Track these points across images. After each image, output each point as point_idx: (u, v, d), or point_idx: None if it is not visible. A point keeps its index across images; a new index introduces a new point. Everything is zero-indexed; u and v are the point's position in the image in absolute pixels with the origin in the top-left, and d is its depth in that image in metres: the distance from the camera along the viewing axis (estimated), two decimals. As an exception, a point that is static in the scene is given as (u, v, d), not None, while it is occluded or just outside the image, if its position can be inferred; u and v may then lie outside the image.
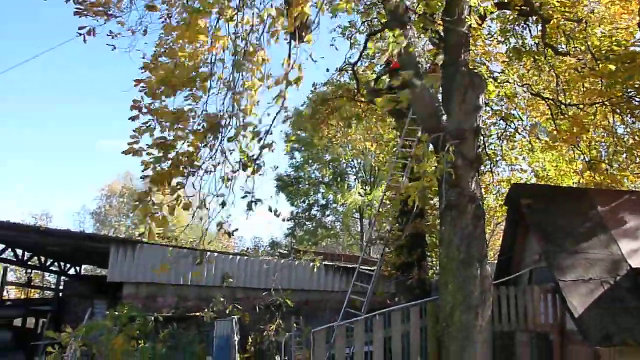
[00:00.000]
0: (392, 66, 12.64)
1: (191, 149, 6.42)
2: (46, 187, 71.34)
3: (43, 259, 21.03)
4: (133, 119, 6.54)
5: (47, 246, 17.59)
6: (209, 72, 6.52)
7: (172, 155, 6.32)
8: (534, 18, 12.68)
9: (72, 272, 23.21)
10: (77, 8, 7.43)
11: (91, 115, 74.84)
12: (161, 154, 6.33)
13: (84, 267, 26.13)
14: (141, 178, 6.75)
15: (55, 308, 18.87)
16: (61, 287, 21.83)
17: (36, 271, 26.00)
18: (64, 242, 16.86)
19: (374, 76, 15.17)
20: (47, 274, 29.56)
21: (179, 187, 6.33)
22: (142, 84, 6.42)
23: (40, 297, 23.84)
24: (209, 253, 15.34)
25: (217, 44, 6.35)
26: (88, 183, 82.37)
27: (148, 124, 6.47)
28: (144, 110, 6.47)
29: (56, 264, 21.92)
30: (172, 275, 14.21)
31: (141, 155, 6.24)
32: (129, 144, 6.29)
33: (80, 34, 7.34)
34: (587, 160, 14.29)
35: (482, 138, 13.36)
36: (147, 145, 6.41)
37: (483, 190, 11.99)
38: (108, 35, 7.74)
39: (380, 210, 14.52)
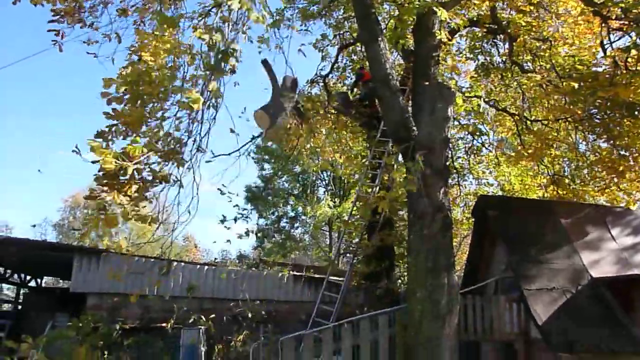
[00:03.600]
0: (365, 78, 12.86)
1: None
2: (6, 198, 69.08)
3: (1, 270, 20.28)
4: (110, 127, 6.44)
5: (6, 256, 16.98)
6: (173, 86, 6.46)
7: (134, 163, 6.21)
8: (502, 36, 13.07)
9: (32, 284, 22.42)
10: (53, 15, 7.37)
11: (58, 126, 72.99)
12: (123, 161, 6.21)
13: (45, 278, 25.28)
14: (94, 178, 6.49)
15: (14, 321, 18.14)
16: (20, 300, 21.09)
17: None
18: (25, 252, 16.31)
19: (345, 88, 15.35)
20: (4, 286, 28.55)
21: (138, 198, 6.19)
22: (111, 86, 6.33)
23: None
24: (175, 263, 15.12)
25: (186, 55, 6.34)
26: (52, 194, 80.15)
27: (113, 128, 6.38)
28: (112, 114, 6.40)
29: (15, 275, 21.15)
30: (137, 285, 13.93)
31: (109, 148, 6.06)
32: (94, 136, 6.11)
33: (55, 42, 7.29)
34: (551, 174, 14.71)
35: (450, 151, 13.62)
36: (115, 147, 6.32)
37: (450, 203, 12.20)
38: (83, 42, 7.71)
39: (350, 220, 14.62)
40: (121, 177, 5.98)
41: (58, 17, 7.53)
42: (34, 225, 49.80)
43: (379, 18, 11.82)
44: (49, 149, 72.38)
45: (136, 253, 13.55)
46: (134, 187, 6.01)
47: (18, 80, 69.68)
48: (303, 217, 33.01)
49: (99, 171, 5.90)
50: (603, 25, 10.14)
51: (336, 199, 29.83)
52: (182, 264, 15.85)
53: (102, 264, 14.61)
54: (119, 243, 7.61)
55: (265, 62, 7.81)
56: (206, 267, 15.90)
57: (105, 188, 5.96)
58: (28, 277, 21.84)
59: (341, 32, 15.00)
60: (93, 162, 5.67)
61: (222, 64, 5.95)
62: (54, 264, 17.20)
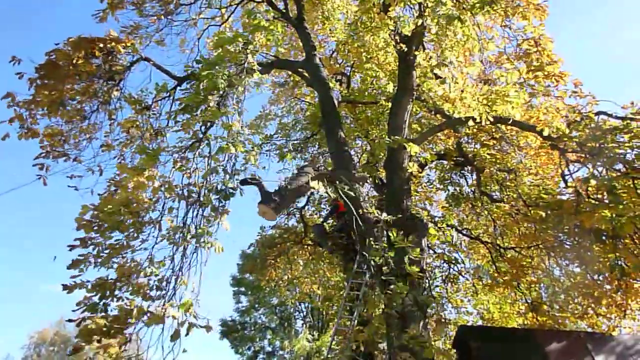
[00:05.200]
0: (339, 209, 13.16)
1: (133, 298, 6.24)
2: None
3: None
4: (71, 247, 6.43)
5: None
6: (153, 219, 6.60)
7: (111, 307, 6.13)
8: (469, 168, 13.77)
9: None
10: (40, 149, 7.66)
11: (33, 259, 71.35)
12: (99, 299, 6.13)
13: None
14: (77, 325, 6.38)
15: None
16: None
17: None
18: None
19: (320, 220, 15.61)
20: None
21: (119, 343, 6.05)
22: (89, 216, 6.42)
23: None
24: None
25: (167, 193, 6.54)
26: (17, 329, 75.96)
27: (86, 256, 6.36)
28: (89, 243, 6.41)
29: None
30: None
31: (82, 287, 6.03)
32: (70, 279, 6.09)
33: (40, 176, 7.49)
34: (529, 301, 14.65)
35: (427, 280, 13.61)
36: (87, 281, 6.25)
37: (431, 334, 11.94)
38: (67, 177, 7.92)
39: (329, 355, 14.04)
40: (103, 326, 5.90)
41: (44, 152, 7.81)
42: None
43: (352, 152, 12.47)
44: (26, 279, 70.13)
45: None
46: (118, 338, 5.88)
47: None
48: (280, 352, 31.64)
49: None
50: (561, 157, 10.78)
51: (315, 332, 28.92)
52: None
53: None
54: None
55: (243, 181, 7.98)
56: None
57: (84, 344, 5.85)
58: None
59: (316, 165, 15.59)
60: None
61: (222, 202, 6.17)
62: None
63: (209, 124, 6.78)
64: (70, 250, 6.46)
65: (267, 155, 15.14)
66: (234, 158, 6.72)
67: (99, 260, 6.39)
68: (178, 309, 5.82)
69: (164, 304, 5.98)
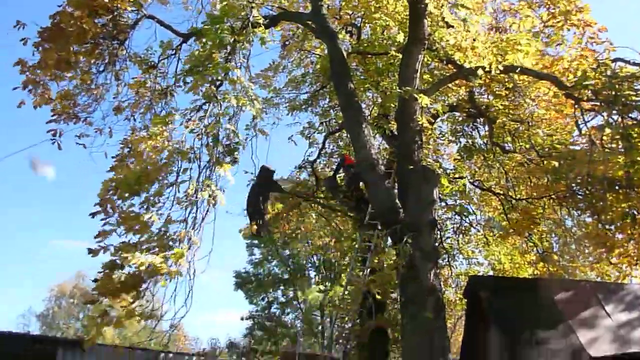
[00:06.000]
0: (346, 162, 13.18)
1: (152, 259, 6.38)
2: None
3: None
4: (93, 214, 6.55)
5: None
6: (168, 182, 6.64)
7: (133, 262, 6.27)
8: (481, 119, 13.58)
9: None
10: (52, 115, 7.69)
11: (45, 215, 72.79)
12: (120, 261, 6.28)
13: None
14: (93, 281, 6.64)
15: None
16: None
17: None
18: (4, 346, 15.68)
19: (332, 173, 15.64)
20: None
21: (132, 298, 6.24)
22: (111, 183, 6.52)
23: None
24: (162, 354, 14.63)
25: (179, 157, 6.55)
26: (36, 284, 78.43)
27: (112, 228, 6.48)
28: (109, 208, 6.51)
29: (-5, 372, 20.20)
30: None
31: (107, 251, 6.19)
32: (96, 243, 6.24)
33: (54, 140, 7.55)
34: (540, 251, 14.74)
35: (438, 232, 13.69)
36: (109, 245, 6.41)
37: (442, 284, 12.11)
38: (76, 136, 7.97)
39: (341, 305, 14.36)
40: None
41: (56, 116, 7.85)
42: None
43: (363, 105, 12.32)
44: (40, 238, 71.94)
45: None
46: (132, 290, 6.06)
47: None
48: (294, 303, 32.38)
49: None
50: (576, 106, 10.59)
51: (327, 283, 29.45)
52: (171, 354, 15.33)
53: (88, 356, 14.07)
54: (105, 334, 7.48)
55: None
56: (194, 358, 15.39)
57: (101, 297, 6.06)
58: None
59: (327, 119, 15.50)
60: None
61: (227, 156, 6.19)
62: (37, 357, 16.51)
63: (217, 82, 6.72)
64: (92, 217, 6.59)
65: (276, 109, 15.03)
66: (240, 111, 6.69)
67: (121, 228, 6.48)
68: (169, 258, 5.97)
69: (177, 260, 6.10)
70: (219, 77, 6.81)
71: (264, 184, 11.54)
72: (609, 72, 9.72)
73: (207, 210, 6.26)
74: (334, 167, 16.08)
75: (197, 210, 6.30)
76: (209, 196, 6.13)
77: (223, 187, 6.50)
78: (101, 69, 8.46)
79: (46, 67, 7.80)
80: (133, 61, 8.49)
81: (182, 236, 6.25)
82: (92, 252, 6.33)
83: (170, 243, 6.20)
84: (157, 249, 6.16)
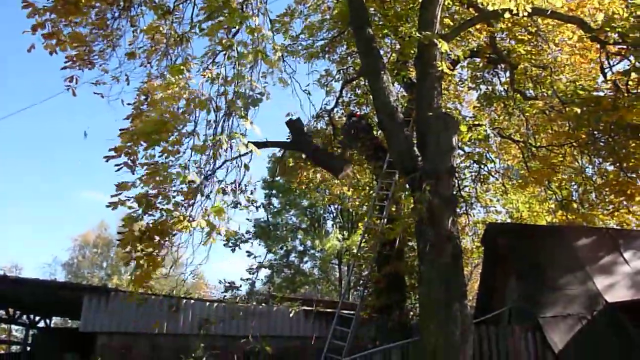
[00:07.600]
0: (356, 116, 13.19)
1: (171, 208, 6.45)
2: (17, 238, 69.34)
3: (11, 311, 20.20)
4: (107, 158, 6.58)
5: (16, 296, 16.97)
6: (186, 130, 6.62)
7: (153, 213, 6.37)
8: (502, 65, 13.25)
9: (41, 324, 22.27)
10: (66, 61, 7.62)
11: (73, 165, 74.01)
12: (140, 210, 6.38)
13: (54, 319, 25.13)
14: (117, 240, 6.80)
15: (24, 363, 18.05)
16: (29, 341, 20.93)
17: (2, 325, 24.88)
18: (34, 292, 16.29)
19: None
20: (13, 328, 28.34)
21: (156, 250, 6.38)
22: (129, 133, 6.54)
23: (5, 353, 22.75)
24: (185, 300, 15.06)
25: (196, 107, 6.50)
26: (61, 234, 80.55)
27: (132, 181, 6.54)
28: (124, 157, 6.55)
29: (24, 316, 21.05)
30: (147, 323, 13.84)
31: (124, 205, 6.28)
32: (111, 196, 6.32)
33: (69, 87, 7.51)
34: (559, 200, 14.64)
35: (457, 180, 13.63)
36: (128, 197, 6.48)
37: (459, 232, 12.15)
38: (92, 84, 7.93)
39: (359, 253, 14.55)
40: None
41: (70, 62, 7.77)
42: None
43: (381, 52, 12.07)
44: (65, 187, 73.38)
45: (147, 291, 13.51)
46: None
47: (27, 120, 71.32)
48: (312, 251, 32.84)
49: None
50: (601, 50, 10.26)
51: (345, 232, 29.74)
52: (192, 301, 15.75)
53: (111, 302, 14.55)
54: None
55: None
56: (216, 304, 15.80)
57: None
58: (37, 318, 21.73)
59: (345, 67, 15.25)
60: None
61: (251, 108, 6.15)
62: (64, 303, 17.14)
63: (234, 29, 6.59)
64: (107, 160, 6.62)
65: (293, 57, 14.80)
66: (259, 63, 6.57)
67: (141, 178, 6.53)
68: (209, 215, 6.02)
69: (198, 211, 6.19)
70: (236, 25, 6.67)
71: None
72: (637, 14, 9.34)
73: (240, 154, 6.26)
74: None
75: (214, 157, 6.30)
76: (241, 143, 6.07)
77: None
78: (116, 14, 8.33)
79: (59, 13, 7.66)
80: (148, 6, 8.34)
81: (219, 191, 6.32)
82: (112, 204, 6.40)
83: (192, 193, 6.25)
84: (182, 198, 6.23)
